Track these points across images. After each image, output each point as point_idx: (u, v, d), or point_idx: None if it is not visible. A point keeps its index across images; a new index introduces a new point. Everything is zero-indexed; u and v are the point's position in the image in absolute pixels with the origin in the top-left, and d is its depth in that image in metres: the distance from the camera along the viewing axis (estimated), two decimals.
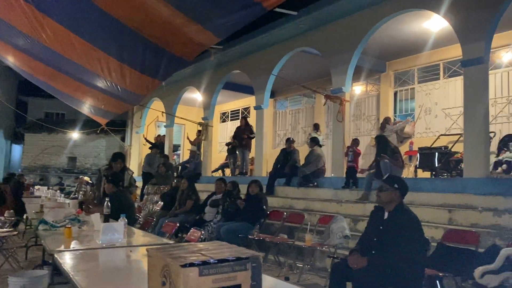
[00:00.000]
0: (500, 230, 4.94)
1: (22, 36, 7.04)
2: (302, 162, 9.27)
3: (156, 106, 15.53)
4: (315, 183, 8.87)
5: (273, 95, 13.89)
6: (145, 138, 15.78)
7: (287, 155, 9.45)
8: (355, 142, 9.26)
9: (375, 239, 3.52)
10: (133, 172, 7.23)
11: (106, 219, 4.36)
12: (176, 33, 5.22)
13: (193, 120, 13.98)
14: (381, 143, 7.43)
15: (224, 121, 17.64)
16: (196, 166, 12.69)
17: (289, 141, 9.71)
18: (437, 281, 3.83)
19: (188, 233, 5.02)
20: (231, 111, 17.24)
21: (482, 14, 6.74)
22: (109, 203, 4.57)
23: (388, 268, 3.26)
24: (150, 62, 6.70)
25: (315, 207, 7.79)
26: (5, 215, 7.75)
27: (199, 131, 13.74)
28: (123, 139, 20.86)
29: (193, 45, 5.79)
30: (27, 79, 11.22)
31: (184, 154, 15.97)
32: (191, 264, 1.29)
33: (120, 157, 6.47)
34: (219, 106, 15.86)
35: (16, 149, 27.28)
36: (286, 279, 5.35)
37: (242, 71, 11.96)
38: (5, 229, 6.75)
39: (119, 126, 19.55)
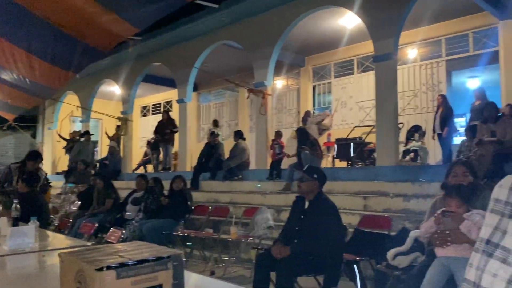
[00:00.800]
0: (409, 214, 5.37)
1: None
2: (227, 155, 9.30)
3: (71, 100, 14.58)
4: (240, 176, 8.95)
5: (196, 88, 13.73)
6: (59, 135, 14.75)
7: (211, 149, 9.42)
8: (278, 134, 9.45)
9: (297, 228, 3.64)
10: (46, 173, 6.80)
11: (14, 222, 4.01)
12: (90, 22, 4.93)
13: (111, 115, 13.35)
14: (302, 136, 7.68)
15: (145, 115, 17.10)
16: (115, 163, 12.14)
17: (213, 135, 9.68)
18: (354, 265, 4.07)
19: (108, 233, 4.80)
20: (152, 105, 16.76)
21: (391, 12, 7.22)
22: (18, 205, 4.21)
23: (309, 255, 3.38)
24: (61, 53, 6.27)
25: (240, 199, 7.87)
26: None
27: (118, 126, 13.16)
28: (34, 136, 19.33)
29: (109, 35, 5.50)
30: None
31: (102, 151, 15.23)
32: (108, 267, 1.22)
33: (39, 156, 6.11)
34: (139, 100, 15.32)
35: None
36: (212, 273, 5.36)
37: (163, 63, 11.66)
38: None
39: (29, 121, 18.05)
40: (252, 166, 9.58)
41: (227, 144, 10.03)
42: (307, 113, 9.95)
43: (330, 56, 11.31)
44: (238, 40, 9.87)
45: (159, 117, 13.37)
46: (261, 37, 9.21)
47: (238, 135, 9.33)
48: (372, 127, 8.79)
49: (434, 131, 8.00)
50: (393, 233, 4.23)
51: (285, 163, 9.35)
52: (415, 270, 2.90)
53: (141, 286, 1.24)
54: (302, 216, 3.66)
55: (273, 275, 3.48)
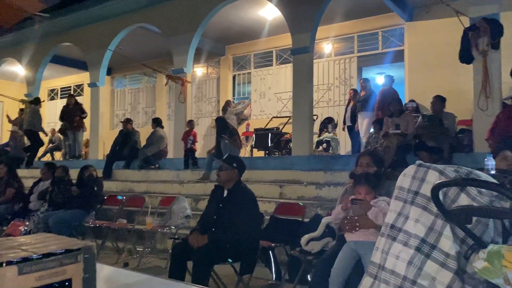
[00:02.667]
0: (321, 201, 5.65)
1: None
2: (143, 143, 9.00)
3: None
4: (157, 165, 8.73)
5: (109, 72, 13.06)
6: None
7: (126, 136, 9.04)
8: (191, 124, 9.09)
9: (215, 217, 3.64)
10: None
11: None
12: None
13: (13, 97, 12.22)
14: (221, 125, 7.69)
15: (52, 98, 15.90)
16: (18, 149, 11.15)
17: (127, 122, 9.28)
18: (270, 251, 4.19)
19: (9, 225, 4.41)
20: (61, 88, 15.62)
21: (308, 6, 7.46)
22: None
23: (226, 243, 3.41)
24: None
25: (156, 189, 7.69)
26: None
27: (21, 110, 12.06)
28: None
29: (11, 10, 5.00)
30: None
31: (3, 136, 13.90)
32: (8, 263, 1.11)
33: None
34: (46, 82, 14.19)
35: None
36: (125, 265, 5.19)
37: (74, 43, 10.90)
38: None
39: None
40: (170, 155, 9.40)
41: (144, 132, 9.71)
42: (227, 103, 10.01)
43: (250, 46, 11.41)
44: (155, 24, 9.53)
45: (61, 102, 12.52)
46: (181, 22, 9.00)
47: (156, 122, 9.06)
48: (289, 118, 9.07)
49: (344, 123, 8.48)
50: (306, 220, 4.41)
51: (202, 153, 9.31)
52: (326, 254, 3.06)
53: (47, 281, 1.15)
54: (220, 205, 3.68)
55: (189, 264, 3.46)
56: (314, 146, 8.37)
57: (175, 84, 9.28)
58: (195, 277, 3.25)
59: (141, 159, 8.59)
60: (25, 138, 11.05)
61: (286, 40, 9.42)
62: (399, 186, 1.53)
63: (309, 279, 3.54)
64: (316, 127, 9.16)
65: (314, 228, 3.50)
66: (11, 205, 6.61)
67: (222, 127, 7.60)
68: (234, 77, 12.08)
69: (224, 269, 3.81)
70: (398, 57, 9.44)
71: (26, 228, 4.22)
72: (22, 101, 11.92)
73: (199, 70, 12.47)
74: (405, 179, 1.52)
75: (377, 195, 2.87)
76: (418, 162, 1.52)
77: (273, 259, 4.32)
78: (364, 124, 7.84)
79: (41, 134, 10.74)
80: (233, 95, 12.01)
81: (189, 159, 8.37)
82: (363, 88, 8.13)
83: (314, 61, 8.39)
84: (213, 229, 3.53)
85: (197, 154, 8.97)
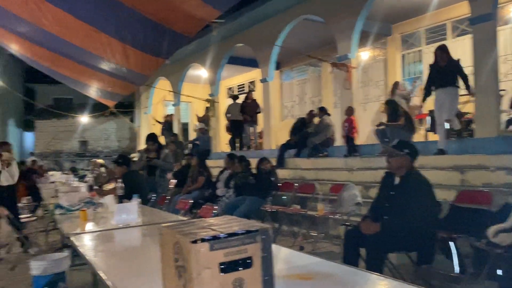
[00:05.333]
0: None
1: (23, 23, 7.00)
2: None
3: (162, 85, 15.50)
4: (325, 153, 8.86)
5: (278, 66, 13.74)
6: (154, 118, 15.83)
7: (303, 126, 9.33)
8: (350, 111, 8.84)
9: (386, 205, 3.53)
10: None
11: (120, 200, 4.42)
12: (175, 9, 5.14)
13: (199, 97, 13.94)
14: (391, 108, 7.35)
15: (230, 96, 17.56)
16: (205, 143, 12.73)
17: (311, 114, 9.52)
18: (450, 243, 3.85)
19: (201, 209, 5.07)
20: (237, 86, 17.14)
21: None
22: (122, 184, 4.64)
23: (400, 232, 3.27)
24: (151, 41, 6.65)
25: (325, 176, 7.81)
26: (23, 201, 7.91)
27: (206, 108, 13.72)
28: (132, 120, 20.95)
29: (193, 20, 5.70)
30: (32, 66, 11.21)
31: (193, 132, 16.01)
32: (202, 240, 1.30)
33: (151, 140, 7.12)
34: (224, 81, 15.76)
35: (28, 137, 27.60)
36: (301, 248, 5.43)
37: (246, 44, 11.81)
38: (24, 215, 6.92)
39: (127, 107, 19.58)
40: (338, 142, 9.42)
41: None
42: (395, 84, 9.47)
43: (419, 21, 10.55)
44: (319, 14, 9.62)
45: (243, 97, 13.69)
46: (344, 8, 8.88)
47: (323, 111, 9.19)
48: (470, 95, 8.10)
49: None
50: (494, 209, 3.92)
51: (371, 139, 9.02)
52: None
53: (232, 258, 1.31)
54: (392, 192, 3.54)
55: (362, 251, 3.44)
56: (503, 125, 7.31)
57: (339, 71, 9.23)
58: (369, 264, 3.22)
59: (310, 147, 8.83)
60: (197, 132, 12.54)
61: (461, 10, 8.40)
62: None
63: (499, 275, 3.14)
64: (506, 104, 7.97)
65: (503, 219, 3.08)
66: (202, 191, 7.61)
67: (393, 110, 7.25)
68: (403, 57, 11.36)
69: (400, 258, 3.67)
70: None
71: (215, 211, 4.80)
72: (207, 100, 13.50)
73: (364, 54, 12.10)
74: None
75: None
76: None
77: (456, 250, 3.96)
78: None
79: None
80: (403, 75, 11.32)
81: (350, 146, 8.26)
82: None
83: (498, 28, 7.29)
84: (385, 217, 3.43)
85: (363, 141, 8.77)
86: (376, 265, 3.18)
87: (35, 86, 27.23)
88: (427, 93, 6.59)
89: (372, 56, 12.11)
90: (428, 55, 10.60)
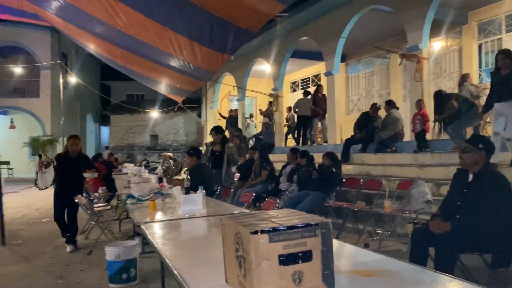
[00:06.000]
0: None
1: (98, 23, 7.47)
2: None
3: (228, 81, 15.81)
4: (393, 148, 8.54)
5: (344, 59, 13.44)
6: (219, 113, 16.21)
7: (368, 120, 9.07)
8: (419, 104, 8.38)
9: (458, 203, 3.33)
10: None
11: (186, 191, 4.59)
12: (240, 5, 5.21)
13: (263, 92, 14.04)
14: (438, 101, 6.94)
15: (294, 90, 17.49)
16: (268, 137, 12.81)
17: (375, 107, 9.24)
18: None
19: (264, 202, 5.12)
20: (301, 80, 17.02)
21: None
22: (189, 176, 4.81)
23: (473, 232, 3.07)
24: (217, 37, 6.79)
25: (393, 172, 7.53)
26: (98, 191, 8.48)
27: (270, 103, 13.79)
28: (199, 115, 21.62)
29: (258, 15, 5.74)
30: (107, 64, 11.93)
31: (257, 126, 16.20)
32: (261, 231, 1.31)
33: (214, 130, 7.20)
34: (288, 76, 15.72)
35: (104, 131, 29.55)
36: (366, 246, 5.29)
37: (310, 37, 11.67)
38: (100, 204, 7.42)
39: (194, 102, 20.28)
40: (407, 137, 9.03)
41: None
42: (464, 76, 8.83)
43: (499, 7, 9.79)
44: (387, 3, 9.26)
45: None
46: None
47: (390, 104, 8.84)
48: None
49: None
50: None
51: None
52: None
53: (291, 250, 1.31)
54: (465, 190, 3.33)
55: (431, 251, 3.28)
56: None
57: (409, 63, 8.83)
58: (439, 265, 3.06)
59: (377, 142, 8.56)
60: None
61: None
62: None
63: None
64: None
65: None
66: (265, 185, 7.68)
67: (439, 103, 6.82)
68: (479, 46, 10.61)
69: (473, 259, 3.45)
70: None
71: (277, 205, 4.82)
72: (271, 95, 13.57)
73: (437, 44, 11.47)
74: None
75: None
76: None
77: None
78: None
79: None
80: (479, 66, 10.58)
81: (421, 141, 7.85)
82: None
83: None
84: (457, 216, 3.24)
85: (434, 136, 8.30)
86: (446, 266, 3.02)
87: (110, 83, 29.06)
88: (487, 106, 5.62)
89: (445, 46, 11.44)
90: (509, 44, 9.80)
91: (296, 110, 11.90)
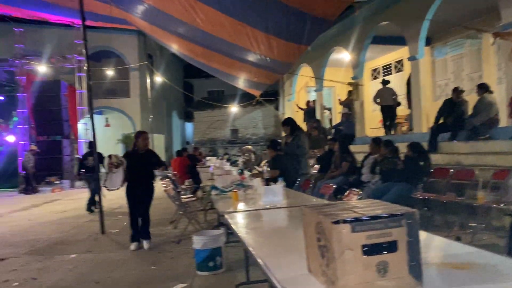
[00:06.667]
0: None
1: (180, 24, 7.83)
2: (469, 113, 8.28)
3: (305, 72, 15.69)
4: (487, 135, 7.88)
5: (428, 42, 12.62)
6: (297, 105, 16.18)
7: (453, 106, 8.50)
8: None
9: None
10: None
11: (266, 183, 4.67)
12: None
13: (342, 81, 13.73)
14: None
15: (375, 78, 16.85)
16: (349, 128, 12.51)
17: (457, 91, 8.64)
18: None
19: (346, 194, 5.03)
20: (382, 67, 16.34)
21: None
22: (269, 167, 4.89)
23: None
24: (293, 29, 6.78)
25: (487, 161, 6.95)
26: (185, 183, 8.95)
27: (349, 92, 13.44)
28: (276, 108, 21.78)
29: (335, 3, 5.62)
30: (189, 62, 12.48)
31: (336, 117, 15.89)
32: (343, 221, 1.30)
33: (282, 123, 7.17)
34: (368, 63, 15.17)
35: (188, 126, 31.01)
36: (458, 239, 4.97)
37: (391, 21, 11.14)
38: (187, 196, 7.83)
39: (271, 96, 20.46)
40: (503, 123, 8.27)
41: (470, 101, 8.93)
42: None
43: None
44: None
45: (390, 78, 13.04)
46: None
47: (483, 88, 8.15)
48: None
49: None
50: None
51: None
52: None
53: (375, 240, 1.28)
54: None
55: None
56: None
57: (504, 42, 8.05)
58: None
59: (468, 130, 7.95)
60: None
61: None
62: None
63: None
64: None
65: None
66: (346, 177, 7.52)
67: None
68: None
69: None
70: None
71: (359, 197, 4.70)
72: (350, 84, 13.22)
73: None
74: None
75: None
76: None
77: None
78: None
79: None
80: None
81: None
82: None
83: None
84: None
85: None
86: None
87: (193, 81, 30.37)
88: None
89: None
90: None
91: (377, 100, 11.48)
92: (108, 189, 5.83)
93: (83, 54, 9.11)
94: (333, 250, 1.30)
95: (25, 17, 15.71)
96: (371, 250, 1.28)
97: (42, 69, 16.29)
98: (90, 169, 8.64)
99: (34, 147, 15.22)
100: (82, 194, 13.32)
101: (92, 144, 8.41)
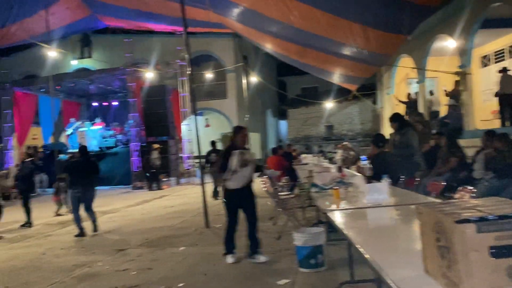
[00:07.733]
0: None
1: (274, 23, 7.93)
2: None
3: (404, 63, 14.89)
4: None
5: None
6: (397, 98, 15.41)
7: None
8: None
9: None
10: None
11: (368, 180, 4.52)
12: None
13: (447, 71, 12.74)
14: None
15: (485, 65, 15.36)
16: (456, 121, 11.58)
17: None
18: None
19: (456, 192, 4.66)
20: (494, 53, 14.84)
21: None
22: (371, 164, 4.73)
23: None
24: (392, 18, 6.49)
25: None
26: (282, 181, 9.04)
27: (456, 82, 12.44)
28: (374, 102, 20.99)
29: None
30: (282, 61, 12.59)
31: (441, 109, 14.83)
32: (467, 220, 1.21)
33: (389, 119, 6.78)
34: (477, 50, 13.89)
35: (282, 124, 31.31)
36: None
37: (504, 2, 10.06)
38: (284, 193, 7.91)
39: (369, 89, 19.77)
40: None
41: None
42: None
43: None
44: None
45: (504, 65, 11.79)
46: None
47: None
48: None
49: None
50: None
51: None
52: None
53: (506, 242, 1.17)
54: None
55: None
56: None
57: None
58: None
59: None
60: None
61: None
62: None
63: None
64: None
65: None
66: (455, 173, 6.97)
67: None
68: None
69: None
70: None
71: (473, 195, 4.33)
72: (457, 73, 12.22)
73: None
74: None
75: None
76: None
77: None
78: None
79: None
80: None
81: None
82: None
83: None
84: None
85: None
86: None
87: (286, 79, 30.57)
88: None
89: None
90: None
91: (500, 89, 10.47)
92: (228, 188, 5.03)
93: (185, 59, 9.69)
94: (455, 251, 1.21)
95: (133, 27, 17.18)
96: (500, 252, 1.17)
97: (149, 75, 17.66)
98: (213, 164, 9.79)
99: (157, 145, 16.10)
100: (186, 191, 14.22)
101: (214, 143, 11.19)
